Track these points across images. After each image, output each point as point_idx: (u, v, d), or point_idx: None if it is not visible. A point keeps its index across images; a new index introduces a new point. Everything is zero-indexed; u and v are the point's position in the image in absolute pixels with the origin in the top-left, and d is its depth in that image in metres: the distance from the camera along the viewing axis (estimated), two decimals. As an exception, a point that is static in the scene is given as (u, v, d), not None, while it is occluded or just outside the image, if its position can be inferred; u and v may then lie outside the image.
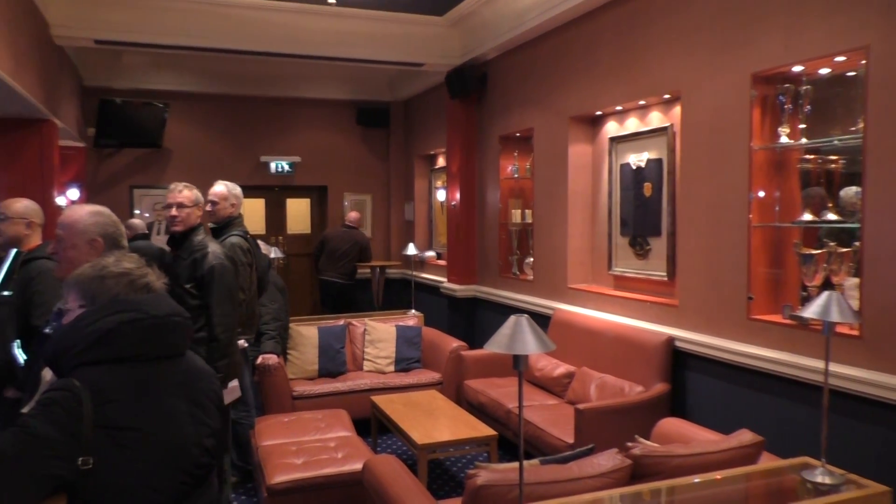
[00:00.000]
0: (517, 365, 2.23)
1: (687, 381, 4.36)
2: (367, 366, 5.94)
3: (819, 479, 2.55)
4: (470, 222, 7.46)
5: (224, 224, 4.23)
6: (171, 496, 1.79)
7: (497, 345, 2.23)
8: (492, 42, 6.57)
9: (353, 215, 8.45)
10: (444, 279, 7.77)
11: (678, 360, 4.39)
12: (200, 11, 6.36)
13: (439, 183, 8.76)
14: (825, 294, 2.57)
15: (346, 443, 4.17)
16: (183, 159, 8.79)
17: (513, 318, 2.24)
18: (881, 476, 2.69)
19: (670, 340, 4.36)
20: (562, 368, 5.08)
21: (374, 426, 5.05)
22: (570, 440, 4.06)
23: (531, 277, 6.40)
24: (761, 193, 3.93)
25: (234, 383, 3.78)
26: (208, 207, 4.13)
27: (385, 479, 3.09)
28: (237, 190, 4.33)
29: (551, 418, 4.48)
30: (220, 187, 4.27)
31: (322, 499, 3.77)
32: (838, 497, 2.44)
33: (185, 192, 3.74)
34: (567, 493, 2.47)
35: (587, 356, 4.95)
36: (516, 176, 6.85)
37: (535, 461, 2.82)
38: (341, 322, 6.19)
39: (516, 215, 6.76)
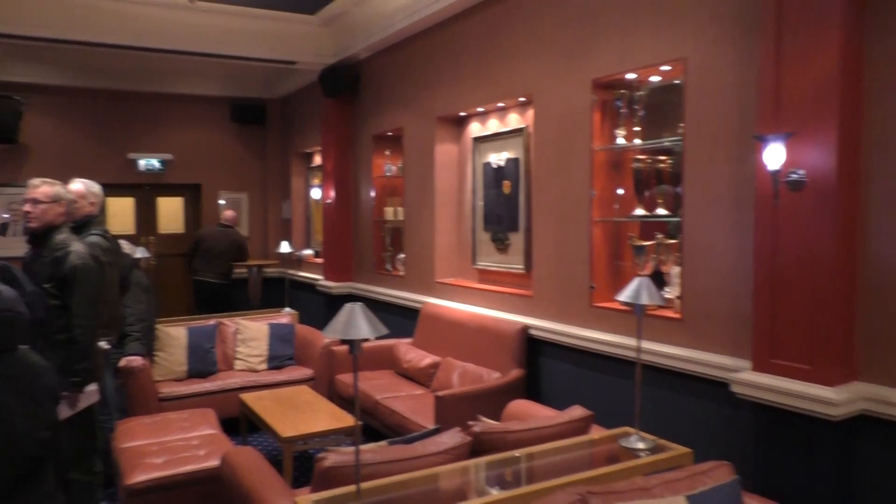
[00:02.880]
0: (352, 349, 2.37)
1: (540, 366, 4.66)
2: (238, 365, 5.91)
3: (634, 445, 2.85)
4: (345, 220, 7.55)
5: (82, 223, 4.12)
6: (1, 487, 1.80)
7: (333, 331, 2.35)
8: (363, 42, 6.69)
9: (228, 214, 8.32)
10: (321, 277, 7.81)
11: (533, 347, 4.68)
12: (60, 1, 6.09)
13: (316, 181, 8.78)
14: (636, 280, 2.88)
15: (210, 441, 4.17)
16: (43, 156, 8.34)
17: (348, 305, 2.37)
18: (691, 440, 3.04)
19: (525, 329, 4.65)
20: (428, 359, 5.27)
21: (242, 424, 5.05)
22: (432, 426, 4.24)
23: (403, 273, 6.57)
24: (612, 190, 4.28)
25: (93, 387, 3.70)
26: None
27: (241, 471, 3.15)
28: (96, 188, 4.23)
29: (416, 407, 4.66)
30: (77, 185, 4.16)
31: (183, 497, 3.76)
32: (647, 459, 2.74)
33: (42, 188, 3.63)
34: (410, 469, 2.64)
35: (452, 347, 5.18)
36: (389, 174, 7.00)
37: (383, 443, 2.98)
38: (212, 322, 6.12)
39: (390, 213, 6.91)
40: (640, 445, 2.85)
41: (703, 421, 3.53)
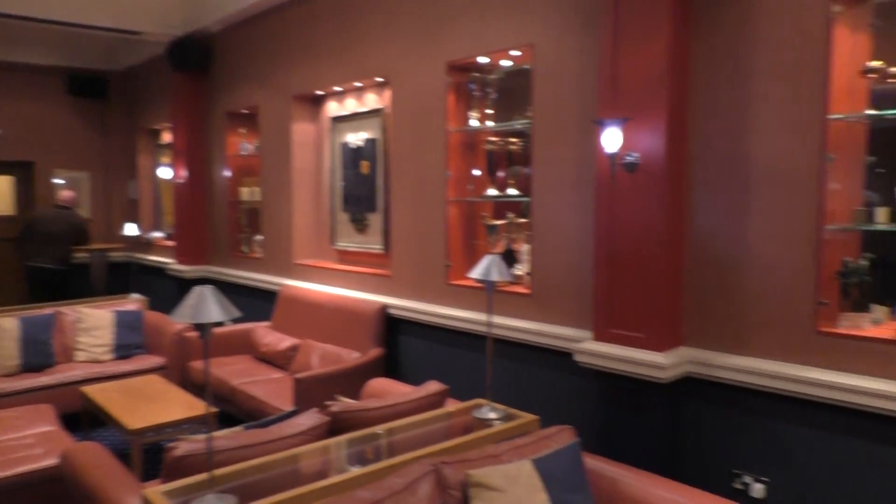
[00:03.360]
0: (202, 334, 2.30)
1: (400, 344, 4.74)
2: (80, 356, 5.52)
3: (486, 416, 2.98)
4: (198, 201, 7.22)
5: None
6: None
7: (182, 315, 2.27)
8: (215, 15, 6.39)
9: (66, 194, 7.70)
10: (173, 261, 7.44)
11: (392, 326, 4.74)
12: None
13: (165, 159, 8.31)
14: (487, 258, 2.99)
15: (48, 438, 3.88)
16: None
17: (197, 288, 2.29)
18: (540, 407, 3.23)
19: (384, 308, 4.70)
20: (287, 342, 5.19)
21: (85, 419, 4.74)
22: (291, 409, 4.20)
23: (261, 255, 6.41)
24: (473, 171, 4.39)
25: None
26: None
27: (83, 468, 2.97)
28: None
29: (275, 391, 4.59)
30: None
31: (20, 501, 3.49)
32: (497, 428, 2.87)
33: None
34: (267, 453, 2.60)
35: (312, 328, 5.13)
36: (244, 153, 6.77)
37: (238, 428, 2.92)
38: (48, 311, 5.67)
39: (246, 193, 6.70)
40: (492, 415, 2.99)
41: (550, 389, 3.75)
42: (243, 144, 6.78)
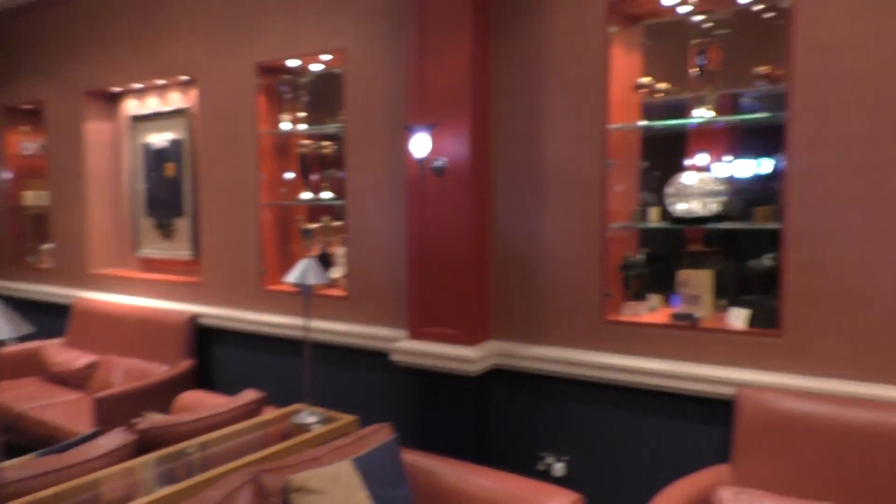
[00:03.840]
0: (-19, 355, 2.08)
1: (214, 355, 4.56)
2: None
3: (305, 420, 2.98)
4: (-29, 207, 6.41)
5: None
6: None
7: (-46, 336, 2.04)
8: (-13, -2, 5.71)
9: None
10: (-61, 275, 6.54)
11: (205, 336, 4.55)
12: None
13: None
14: (302, 262, 2.99)
15: None
16: None
17: (-28, 305, 2.07)
18: (360, 408, 3.28)
19: (194, 318, 4.49)
20: (84, 359, 4.78)
21: None
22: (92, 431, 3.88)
23: (51, 265, 5.83)
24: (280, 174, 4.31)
25: None
26: None
27: None
28: None
29: (71, 414, 4.21)
30: None
31: None
32: (317, 431, 2.89)
33: None
34: (66, 479, 2.41)
35: (113, 343, 4.77)
36: (28, 153, 6.12)
37: (29, 456, 2.66)
38: None
39: (31, 197, 6.06)
40: (311, 420, 2.99)
41: (369, 389, 3.81)
42: (26, 144, 6.13)
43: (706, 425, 2.85)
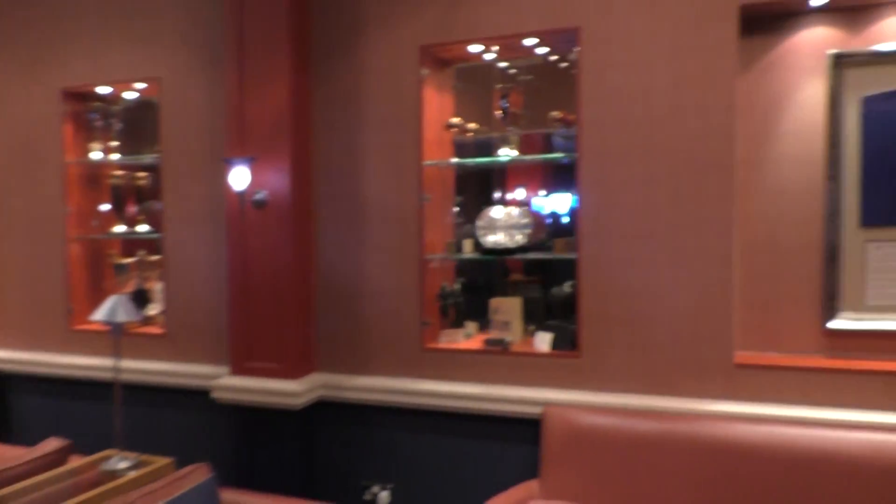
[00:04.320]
0: None
1: (10, 403, 4.16)
2: None
3: (115, 466, 2.81)
4: None
5: None
6: None
7: None
8: None
9: None
10: None
11: None
12: None
13: None
14: (111, 298, 2.85)
15: None
16: None
17: None
18: (179, 450, 3.15)
19: (-12, 363, 4.09)
20: None
21: None
22: None
23: None
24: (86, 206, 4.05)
25: None
26: None
27: None
28: None
29: None
30: None
31: None
32: (128, 477, 2.74)
33: None
34: None
35: None
36: None
37: None
38: None
39: None
40: (123, 465, 2.83)
41: (190, 430, 3.67)
42: None
43: (520, 444, 3.04)
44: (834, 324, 2.75)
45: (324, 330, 3.42)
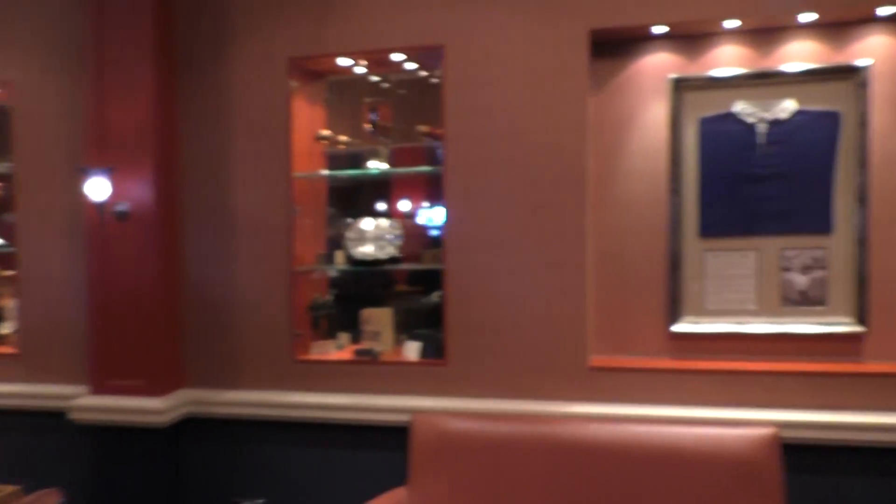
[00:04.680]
0: None
1: None
2: None
3: (-48, 498, 2.63)
4: None
5: None
6: None
7: None
8: None
9: None
10: None
11: None
12: None
13: None
14: (-52, 318, 2.67)
15: None
16: None
17: None
18: (32, 475, 2.99)
19: None
20: None
21: None
22: None
23: None
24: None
25: None
26: None
27: None
28: None
29: None
30: None
31: None
32: (-34, 508, 2.57)
33: None
34: None
35: None
36: None
37: None
38: None
39: None
40: (-38, 496, 2.65)
41: (46, 454, 3.47)
42: None
43: (391, 452, 3.07)
44: (677, 327, 2.96)
45: (192, 344, 3.33)
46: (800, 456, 2.64)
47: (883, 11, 2.68)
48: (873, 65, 2.75)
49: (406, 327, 3.36)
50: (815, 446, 2.68)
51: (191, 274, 3.33)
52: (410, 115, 3.33)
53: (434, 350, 3.12)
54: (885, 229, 2.78)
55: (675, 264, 2.95)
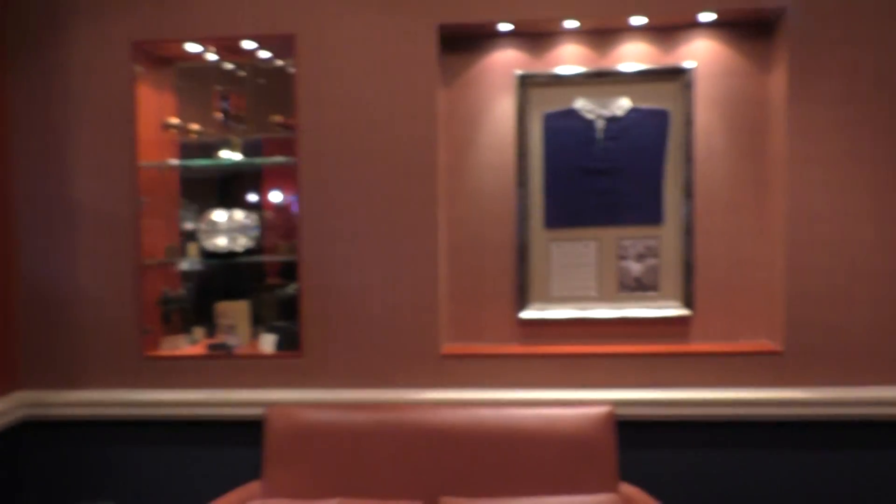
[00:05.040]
0: None
1: None
2: None
3: None
4: None
5: None
6: None
7: None
8: None
9: None
10: None
11: None
12: None
13: None
14: None
15: None
16: None
17: None
18: None
19: None
20: None
21: None
22: None
23: None
24: None
25: None
26: None
27: None
28: None
29: None
30: None
31: None
32: None
33: None
34: None
35: None
36: None
37: None
38: None
39: None
40: None
41: None
42: None
43: (247, 448, 3.03)
44: (525, 314, 3.09)
45: (29, 344, 3.14)
46: (634, 431, 2.84)
47: (704, 17, 2.90)
48: (697, 67, 2.97)
49: (264, 320, 3.31)
50: (648, 422, 2.89)
51: (26, 269, 3.13)
52: (267, 104, 3.27)
53: (290, 342, 3.10)
54: (707, 220, 3.02)
55: (522, 254, 3.07)
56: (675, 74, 2.96)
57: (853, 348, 2.84)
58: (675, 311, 3.02)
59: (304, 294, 3.02)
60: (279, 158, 3.18)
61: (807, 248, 2.83)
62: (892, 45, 2.77)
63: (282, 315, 3.28)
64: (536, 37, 3.07)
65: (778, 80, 2.89)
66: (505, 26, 2.98)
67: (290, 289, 3.24)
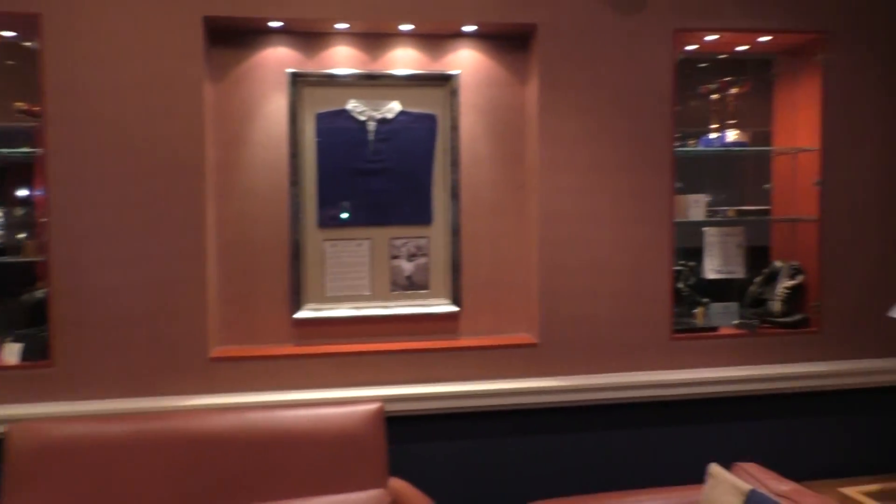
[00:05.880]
0: None
1: None
2: None
3: None
4: None
5: None
6: None
7: None
8: None
9: None
10: None
11: None
12: None
13: None
14: None
15: None
16: None
17: None
18: None
19: None
20: None
21: None
22: None
23: None
24: None
25: None
26: None
27: None
28: None
29: None
30: None
31: None
32: None
33: None
34: None
35: None
36: None
37: None
38: None
39: None
40: None
41: None
42: None
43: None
44: (300, 314, 3.07)
45: None
46: (406, 426, 2.92)
47: (468, 28, 3.06)
48: (462, 75, 3.13)
49: (8, 327, 2.99)
50: (419, 416, 2.99)
51: None
52: (10, 89, 2.96)
53: (38, 351, 2.83)
54: (473, 221, 3.20)
55: (296, 254, 3.05)
56: (442, 81, 3.10)
57: (598, 338, 3.14)
58: (444, 308, 3.16)
59: (54, 297, 2.78)
60: (24, 150, 2.89)
61: (556, 248, 3.08)
62: (625, 66, 3.10)
63: (31, 321, 2.98)
64: (309, 36, 3.06)
65: (532, 92, 3.12)
66: (275, 23, 2.93)
67: (39, 293, 2.96)
